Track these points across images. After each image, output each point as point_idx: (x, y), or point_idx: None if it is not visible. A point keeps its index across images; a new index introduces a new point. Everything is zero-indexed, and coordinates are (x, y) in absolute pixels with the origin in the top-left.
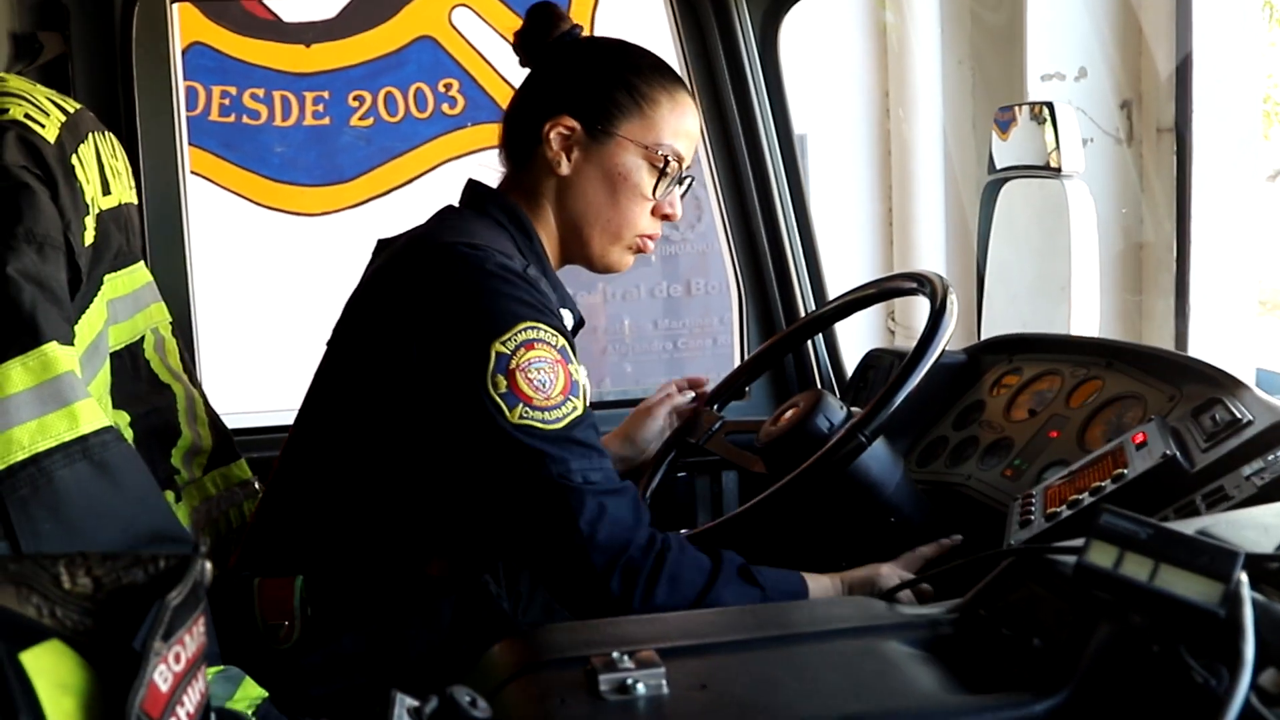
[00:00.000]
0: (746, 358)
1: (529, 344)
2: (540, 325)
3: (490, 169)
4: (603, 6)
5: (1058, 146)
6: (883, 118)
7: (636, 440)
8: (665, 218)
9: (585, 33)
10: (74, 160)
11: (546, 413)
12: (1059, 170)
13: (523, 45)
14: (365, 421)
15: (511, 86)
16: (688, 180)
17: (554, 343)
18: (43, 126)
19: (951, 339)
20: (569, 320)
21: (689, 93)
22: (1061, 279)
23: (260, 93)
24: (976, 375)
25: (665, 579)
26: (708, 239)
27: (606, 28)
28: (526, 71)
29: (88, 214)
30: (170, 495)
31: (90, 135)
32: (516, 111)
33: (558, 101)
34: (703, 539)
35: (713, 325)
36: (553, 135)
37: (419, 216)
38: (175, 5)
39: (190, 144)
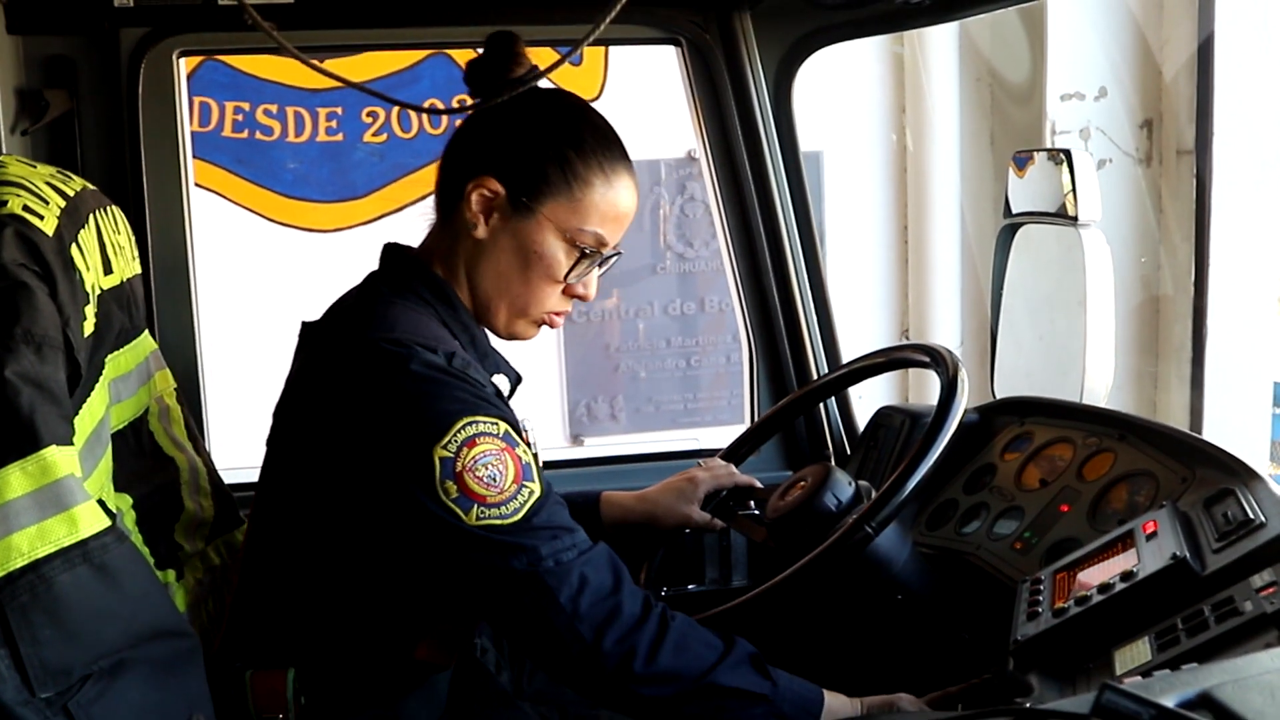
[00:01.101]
0: (758, 416)
1: (470, 441)
2: (478, 418)
3: None
4: (614, 61)
5: (1074, 192)
6: (899, 134)
7: (659, 511)
8: (578, 297)
9: (546, 82)
10: (73, 250)
11: (503, 507)
12: (1075, 218)
13: (476, 79)
14: (321, 523)
15: None
16: (612, 259)
17: (495, 431)
18: (41, 218)
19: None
20: (505, 385)
21: (629, 169)
22: (1075, 324)
23: (273, 108)
24: (988, 436)
25: (670, 644)
26: (721, 256)
27: (622, 61)
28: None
29: (88, 303)
30: (172, 573)
31: (91, 216)
32: (449, 159)
33: (487, 160)
34: (713, 622)
35: (726, 342)
36: (474, 196)
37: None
38: (182, 59)
39: (203, 159)
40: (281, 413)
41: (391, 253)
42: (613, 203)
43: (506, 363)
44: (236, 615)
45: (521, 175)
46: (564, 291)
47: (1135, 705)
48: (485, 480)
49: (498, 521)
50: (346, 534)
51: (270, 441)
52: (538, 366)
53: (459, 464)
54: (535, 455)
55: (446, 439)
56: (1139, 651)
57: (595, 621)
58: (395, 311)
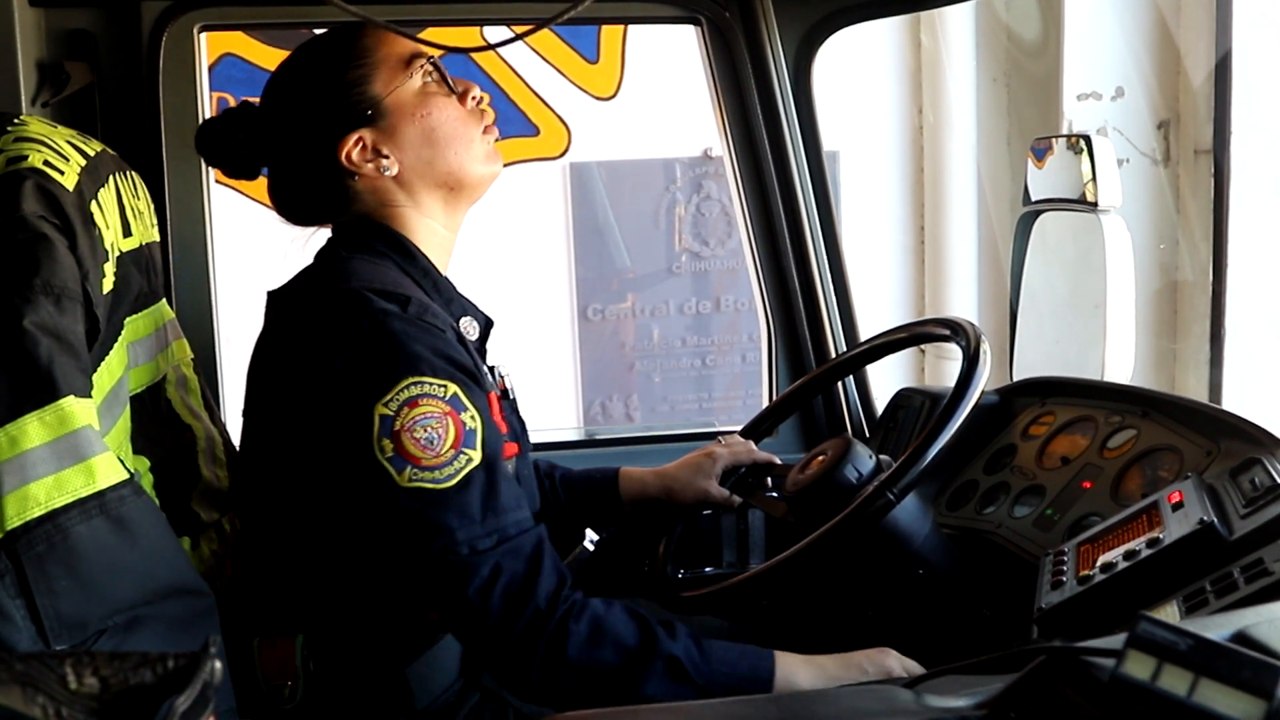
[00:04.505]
0: (776, 395)
1: (412, 401)
2: (424, 379)
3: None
4: (630, 61)
5: (1094, 179)
6: (916, 134)
7: (677, 487)
8: (468, 96)
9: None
10: (93, 207)
11: (437, 471)
12: (1095, 204)
13: (233, 154)
14: (301, 483)
15: (543, 101)
16: (438, 56)
17: (441, 394)
18: (61, 174)
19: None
20: (473, 329)
21: (359, 28)
22: (1097, 306)
23: None
24: (1009, 417)
25: (578, 642)
26: (738, 256)
27: (639, 59)
28: (555, 91)
29: (107, 260)
30: (188, 541)
31: (111, 178)
32: (293, 182)
33: (322, 134)
34: (730, 592)
35: (741, 342)
36: (354, 155)
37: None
38: (203, 35)
39: None
40: (252, 378)
41: (341, 231)
42: (388, 44)
43: (474, 306)
44: (239, 583)
45: (349, 107)
46: (461, 104)
47: (1172, 635)
48: (422, 442)
49: (430, 485)
50: (326, 491)
51: (246, 410)
52: (553, 365)
53: (398, 423)
54: (514, 402)
55: (389, 396)
56: (1168, 614)
57: (500, 615)
58: (354, 264)
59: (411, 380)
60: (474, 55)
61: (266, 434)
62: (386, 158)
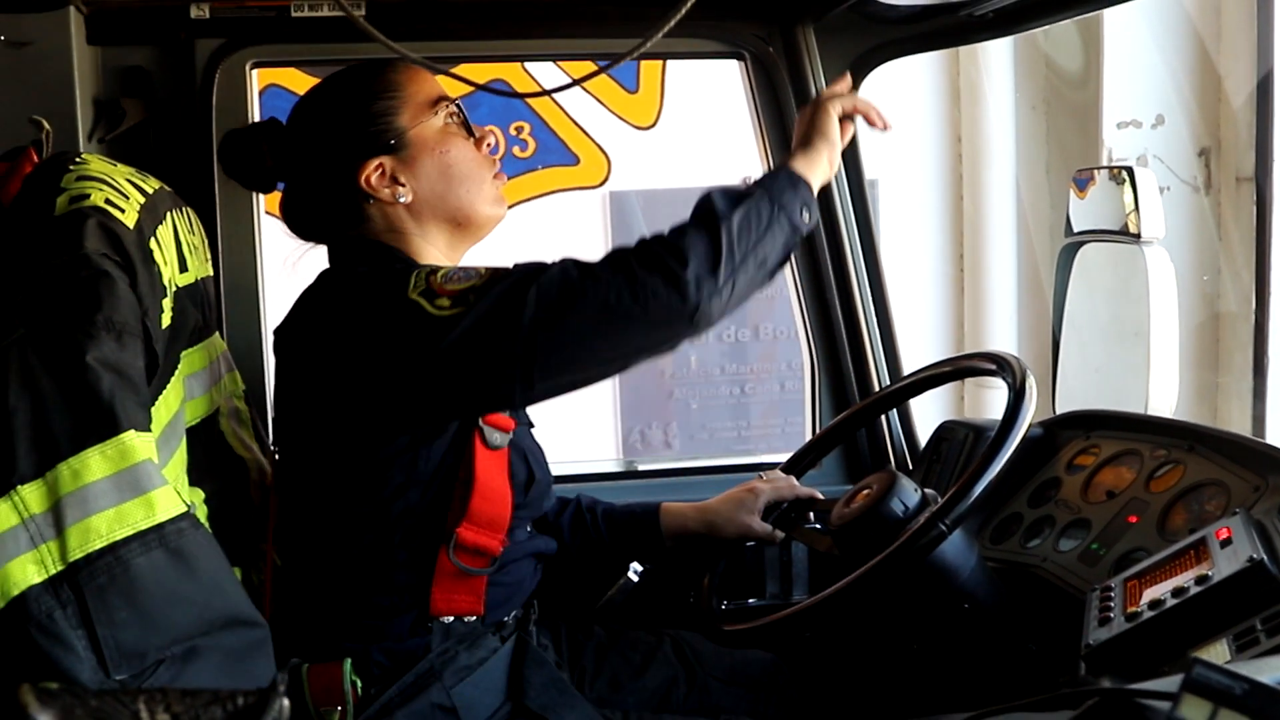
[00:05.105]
0: (819, 428)
1: (432, 271)
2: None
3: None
4: (670, 90)
5: (1137, 210)
6: (955, 162)
7: (719, 522)
8: (484, 142)
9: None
10: (152, 244)
11: (476, 279)
12: (1138, 236)
13: (255, 166)
14: (346, 488)
15: (583, 130)
16: (459, 102)
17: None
18: (122, 212)
19: None
20: None
21: (397, 62)
22: (1137, 333)
23: None
24: (1053, 450)
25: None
26: (776, 284)
27: (678, 89)
28: (595, 121)
29: (165, 296)
30: (239, 570)
31: (168, 214)
32: (313, 193)
33: (344, 157)
34: (777, 626)
35: (780, 370)
36: (372, 180)
37: (487, 259)
38: (255, 70)
39: None
40: (280, 411)
41: (339, 250)
42: (418, 81)
43: None
44: (281, 608)
45: (374, 135)
46: (477, 149)
47: (1227, 679)
48: (460, 276)
49: (478, 281)
50: (373, 490)
51: (277, 440)
52: (592, 393)
53: (434, 286)
54: None
55: (410, 284)
56: (1217, 652)
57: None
58: (356, 273)
59: (426, 270)
60: (515, 86)
61: (303, 447)
62: (402, 185)
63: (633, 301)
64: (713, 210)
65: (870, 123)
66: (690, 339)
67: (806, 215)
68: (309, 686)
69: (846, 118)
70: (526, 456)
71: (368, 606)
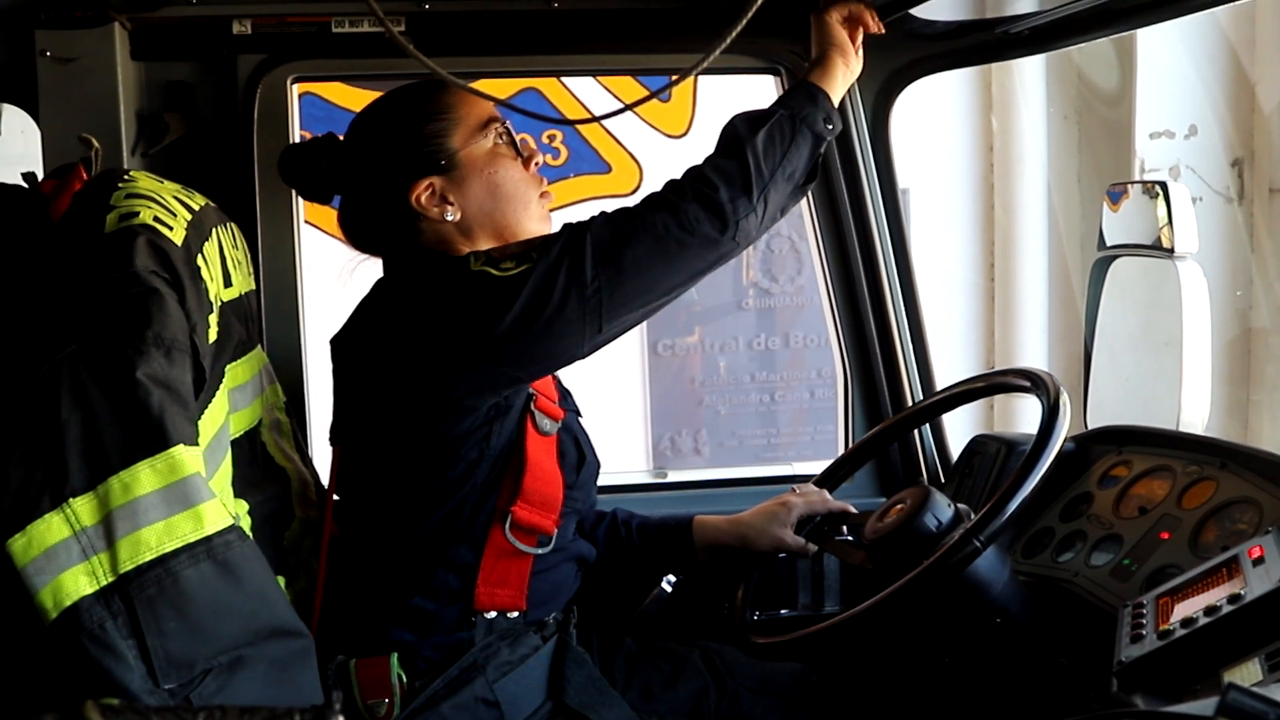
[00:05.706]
0: (852, 441)
1: (488, 250)
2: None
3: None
4: (702, 99)
5: (1170, 224)
6: (986, 171)
7: (752, 534)
8: (533, 160)
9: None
10: (199, 260)
11: (525, 245)
12: (1171, 250)
13: (313, 179)
14: (403, 483)
15: (616, 139)
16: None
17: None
18: (170, 229)
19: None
20: None
21: (448, 86)
22: (1167, 343)
23: None
24: (1085, 465)
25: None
26: (806, 292)
27: (710, 98)
28: (627, 130)
29: (211, 311)
30: (282, 580)
31: (214, 230)
32: (364, 219)
33: (395, 176)
34: (811, 638)
35: (809, 377)
36: (423, 199)
37: None
38: (295, 85)
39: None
40: (339, 413)
41: (393, 264)
42: (469, 103)
43: None
44: (329, 607)
45: (425, 156)
46: (525, 168)
47: (1262, 705)
48: (515, 245)
49: (531, 245)
50: (441, 469)
51: (335, 442)
52: (622, 400)
53: (495, 255)
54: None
55: (470, 261)
56: (1249, 672)
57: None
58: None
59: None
60: (548, 96)
61: (365, 444)
62: (451, 204)
63: (680, 229)
64: (737, 135)
65: (865, 26)
66: (737, 255)
67: (829, 124)
68: (357, 680)
69: (850, 21)
70: (577, 439)
71: (419, 595)
